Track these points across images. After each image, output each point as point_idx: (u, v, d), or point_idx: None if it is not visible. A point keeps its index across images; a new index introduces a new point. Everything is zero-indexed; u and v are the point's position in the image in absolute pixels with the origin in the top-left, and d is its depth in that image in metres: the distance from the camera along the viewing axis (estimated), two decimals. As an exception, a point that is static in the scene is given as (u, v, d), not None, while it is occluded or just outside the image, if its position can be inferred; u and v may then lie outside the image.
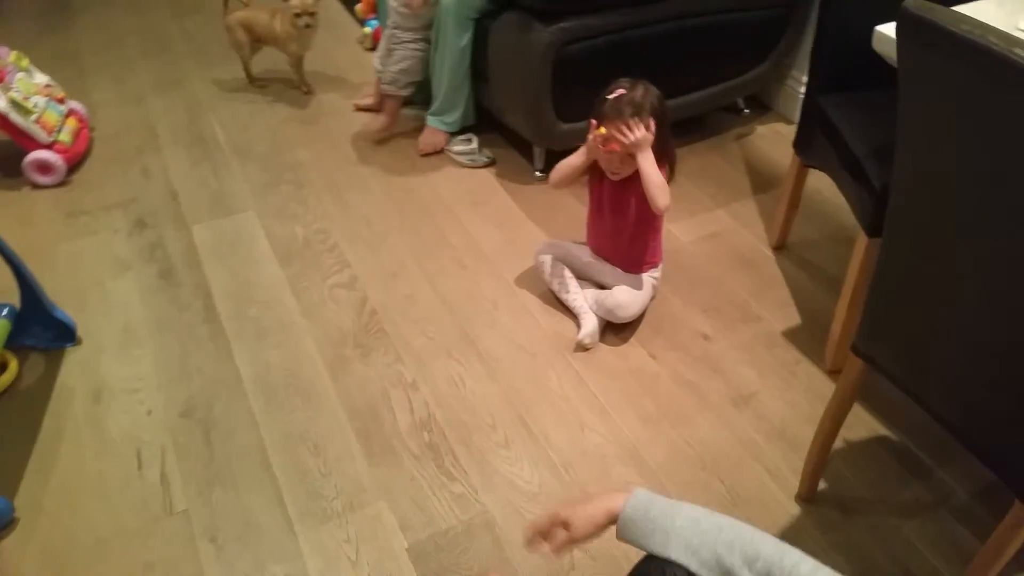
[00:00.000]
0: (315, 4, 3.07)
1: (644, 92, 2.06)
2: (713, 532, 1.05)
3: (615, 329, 2.23)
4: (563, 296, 2.28)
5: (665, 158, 2.14)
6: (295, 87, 3.33)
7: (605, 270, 2.26)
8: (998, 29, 1.06)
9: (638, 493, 1.14)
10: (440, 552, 1.73)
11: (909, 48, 1.20)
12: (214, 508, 1.81)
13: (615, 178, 2.13)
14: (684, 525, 1.07)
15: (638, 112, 2.03)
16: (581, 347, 2.18)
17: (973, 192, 1.19)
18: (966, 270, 1.26)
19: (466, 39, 2.70)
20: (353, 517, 1.79)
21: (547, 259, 2.30)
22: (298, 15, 3.05)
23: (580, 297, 2.25)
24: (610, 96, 2.06)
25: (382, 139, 3.01)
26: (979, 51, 1.06)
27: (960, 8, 1.53)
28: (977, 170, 1.17)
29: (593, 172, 2.21)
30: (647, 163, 2.04)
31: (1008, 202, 1.13)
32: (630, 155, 2.06)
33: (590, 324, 2.19)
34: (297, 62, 3.28)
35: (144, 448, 1.95)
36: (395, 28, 2.83)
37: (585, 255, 2.30)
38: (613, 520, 1.15)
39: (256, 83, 3.38)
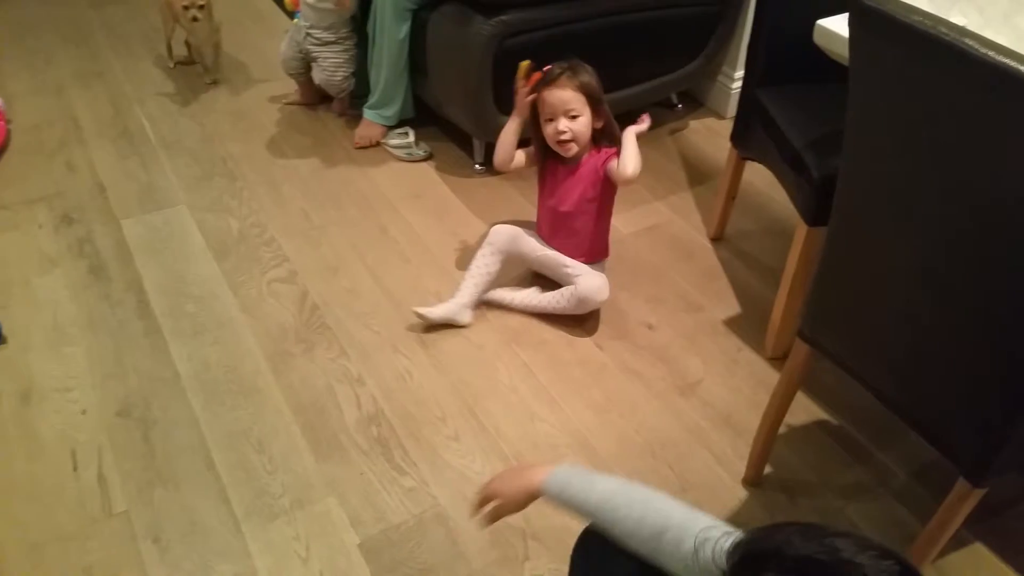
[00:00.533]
0: None
1: (573, 63, 2.10)
2: (624, 509, 1.11)
3: (562, 320, 2.23)
4: (470, 275, 2.22)
5: (614, 135, 2.16)
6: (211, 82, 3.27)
7: (560, 261, 2.24)
8: (949, 20, 1.09)
9: (556, 473, 1.21)
10: (393, 547, 1.70)
11: (861, 39, 1.23)
12: (156, 508, 1.76)
13: (566, 154, 2.13)
14: (598, 503, 1.14)
15: (572, 72, 2.07)
16: (419, 315, 2.16)
17: (922, 178, 1.22)
18: (914, 255, 1.29)
19: (404, 31, 2.67)
20: (302, 514, 1.75)
21: (497, 242, 2.24)
22: (185, 8, 3.01)
23: (473, 292, 2.21)
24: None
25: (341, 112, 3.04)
26: (931, 41, 1.09)
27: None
28: (926, 157, 1.20)
29: (541, 159, 2.22)
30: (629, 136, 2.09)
31: (956, 188, 1.17)
32: (570, 116, 2.07)
33: (450, 309, 2.17)
34: (213, 51, 3.24)
35: (79, 448, 1.87)
36: (312, 28, 2.82)
37: (538, 248, 2.28)
38: (534, 498, 1.23)
39: (174, 62, 3.34)
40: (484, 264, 2.22)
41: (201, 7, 3.02)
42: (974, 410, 1.31)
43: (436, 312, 2.16)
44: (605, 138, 2.16)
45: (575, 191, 2.17)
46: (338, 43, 2.85)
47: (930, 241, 1.25)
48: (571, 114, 2.08)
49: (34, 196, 2.63)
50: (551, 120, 2.09)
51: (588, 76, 2.08)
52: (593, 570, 1.22)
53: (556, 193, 2.21)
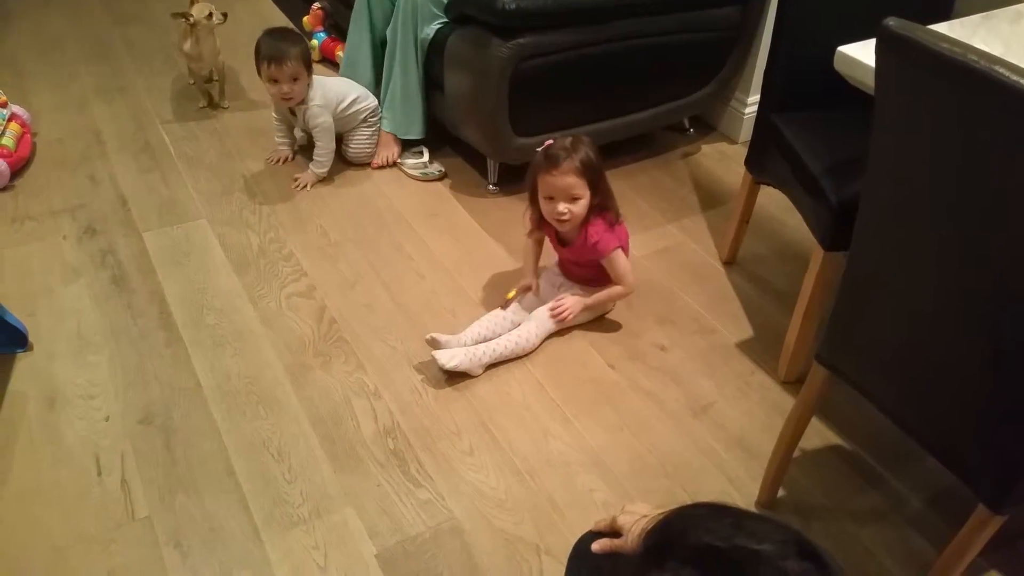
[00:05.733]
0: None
1: (574, 140, 2.12)
2: None
3: (575, 339, 2.27)
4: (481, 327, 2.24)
5: (608, 205, 2.21)
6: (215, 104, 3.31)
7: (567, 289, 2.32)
8: (978, 48, 1.11)
9: None
10: (409, 558, 1.73)
11: (888, 65, 1.25)
12: (177, 514, 1.78)
13: (561, 228, 2.20)
14: None
15: (574, 152, 2.09)
16: (435, 342, 2.14)
17: (947, 204, 1.24)
18: (937, 280, 1.31)
19: (426, 32, 2.72)
20: (320, 523, 1.78)
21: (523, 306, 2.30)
22: (209, 16, 3.04)
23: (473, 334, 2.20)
24: (540, 149, 2.14)
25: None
26: (960, 69, 1.11)
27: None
28: (952, 184, 1.22)
29: (547, 232, 2.29)
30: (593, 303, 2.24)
31: (982, 213, 1.19)
32: (571, 199, 2.12)
33: (456, 357, 2.12)
34: (220, 73, 3.28)
35: (103, 454, 1.90)
36: (321, 132, 2.83)
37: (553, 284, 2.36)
38: None
39: (194, 80, 3.33)
40: (494, 320, 2.25)
41: (224, 14, 3.07)
42: (996, 436, 1.32)
43: (448, 346, 2.14)
44: (600, 209, 2.20)
45: (580, 253, 2.24)
46: (365, 123, 2.92)
47: (954, 266, 1.27)
48: (573, 197, 2.12)
49: (58, 207, 2.68)
50: (551, 199, 2.13)
51: (588, 154, 2.11)
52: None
53: (565, 252, 2.30)
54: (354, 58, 3.05)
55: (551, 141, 2.13)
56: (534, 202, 2.21)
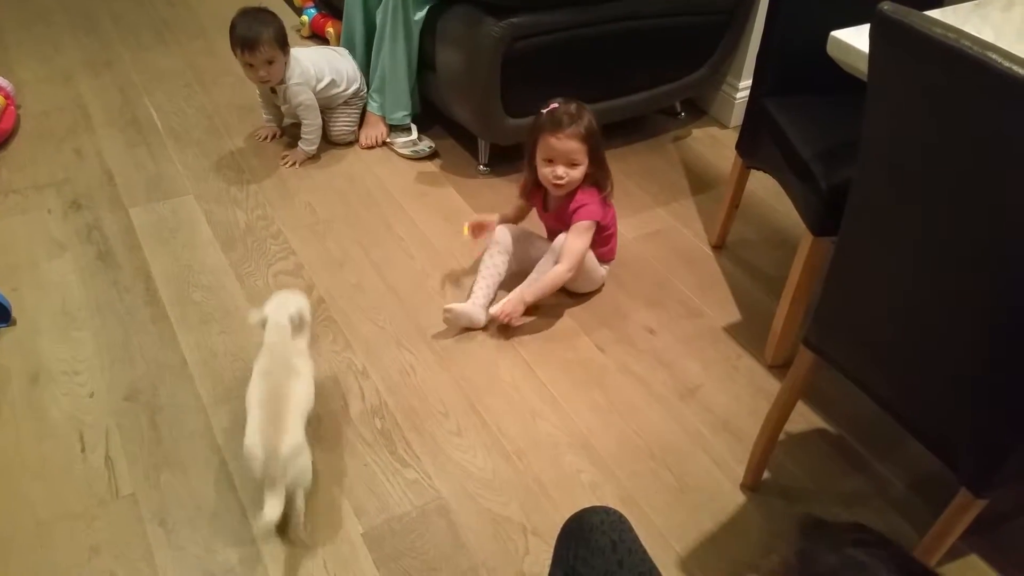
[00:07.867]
0: None
1: (579, 107, 2.13)
2: None
3: (564, 321, 2.27)
4: (480, 277, 2.25)
5: (603, 177, 2.21)
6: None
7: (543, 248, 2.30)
8: (971, 34, 1.11)
9: None
10: (395, 537, 1.73)
11: (882, 50, 1.25)
12: (163, 492, 1.78)
13: (556, 192, 2.20)
14: None
15: (579, 117, 2.09)
16: (449, 310, 2.16)
17: (938, 190, 1.24)
18: (926, 266, 1.31)
19: (418, 16, 2.68)
20: (307, 502, 1.77)
21: (503, 240, 2.29)
22: None
23: (486, 292, 2.23)
24: (545, 110, 2.14)
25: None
26: (953, 54, 1.11)
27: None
28: (943, 169, 1.22)
29: (534, 198, 2.29)
30: (533, 297, 2.19)
31: (973, 199, 1.19)
32: (571, 164, 2.12)
33: (470, 309, 2.18)
34: None
35: (87, 431, 1.89)
36: (305, 110, 2.79)
37: (544, 244, 2.31)
38: None
39: None
40: (493, 264, 2.26)
41: None
42: (979, 420, 1.33)
43: (461, 307, 2.17)
44: (594, 180, 2.20)
45: (563, 218, 2.22)
46: (346, 104, 2.90)
47: (943, 252, 1.27)
48: (573, 162, 2.12)
49: (43, 181, 2.65)
50: (551, 162, 2.13)
51: (591, 121, 2.12)
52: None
53: (548, 217, 2.31)
54: (350, 36, 3.01)
55: (555, 104, 2.12)
56: (531, 164, 2.20)
